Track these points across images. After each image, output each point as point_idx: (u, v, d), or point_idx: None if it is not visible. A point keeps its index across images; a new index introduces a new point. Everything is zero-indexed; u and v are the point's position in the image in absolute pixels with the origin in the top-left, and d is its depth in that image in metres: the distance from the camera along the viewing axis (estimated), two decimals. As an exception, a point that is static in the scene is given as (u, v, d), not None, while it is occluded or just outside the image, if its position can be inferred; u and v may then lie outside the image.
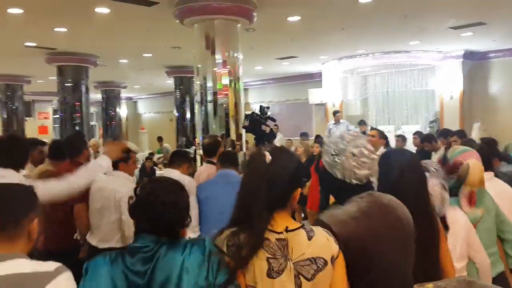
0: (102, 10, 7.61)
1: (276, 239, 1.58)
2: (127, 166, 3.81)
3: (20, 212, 1.64)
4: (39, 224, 1.69)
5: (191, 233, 3.70)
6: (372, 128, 7.79)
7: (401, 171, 2.14)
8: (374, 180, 1.98)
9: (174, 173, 3.92)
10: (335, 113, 12.18)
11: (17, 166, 3.13)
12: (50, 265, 1.55)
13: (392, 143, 8.61)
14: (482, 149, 3.23)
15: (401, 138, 8.49)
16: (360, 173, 1.81)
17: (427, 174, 2.29)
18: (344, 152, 1.81)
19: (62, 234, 3.91)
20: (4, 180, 2.62)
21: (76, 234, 4.00)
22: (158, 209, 1.62)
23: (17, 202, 1.66)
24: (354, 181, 1.81)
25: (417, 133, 8.49)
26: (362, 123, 11.63)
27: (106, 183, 3.62)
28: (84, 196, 3.62)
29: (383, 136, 6.59)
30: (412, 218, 1.84)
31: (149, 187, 1.69)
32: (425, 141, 7.37)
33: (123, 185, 3.56)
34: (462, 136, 6.69)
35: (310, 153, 7.73)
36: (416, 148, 8.23)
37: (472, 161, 2.68)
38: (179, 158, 4.28)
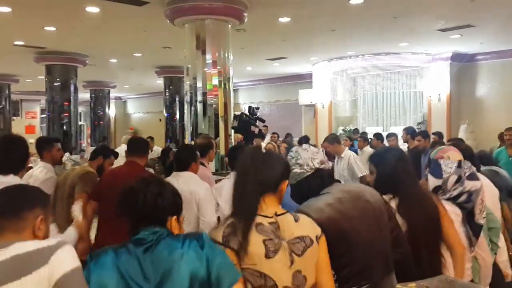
0: (92, 9, 7.57)
1: (269, 222, 1.75)
2: (196, 166, 3.81)
3: (24, 205, 1.70)
4: (46, 223, 1.74)
5: None
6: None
7: (393, 163, 2.43)
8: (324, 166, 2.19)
9: (189, 177, 3.69)
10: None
11: (16, 169, 2.98)
12: (52, 240, 1.64)
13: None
14: (466, 150, 3.18)
15: (376, 136, 8.88)
16: (314, 162, 2.11)
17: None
18: (299, 153, 2.16)
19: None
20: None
21: None
22: (141, 200, 1.68)
23: (23, 197, 1.73)
24: (309, 169, 2.10)
25: (393, 135, 8.97)
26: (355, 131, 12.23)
27: (182, 185, 3.16)
28: None
29: (337, 141, 6.55)
30: (382, 200, 2.15)
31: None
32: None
33: (199, 186, 3.61)
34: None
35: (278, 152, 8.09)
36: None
37: (451, 153, 2.57)
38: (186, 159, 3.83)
